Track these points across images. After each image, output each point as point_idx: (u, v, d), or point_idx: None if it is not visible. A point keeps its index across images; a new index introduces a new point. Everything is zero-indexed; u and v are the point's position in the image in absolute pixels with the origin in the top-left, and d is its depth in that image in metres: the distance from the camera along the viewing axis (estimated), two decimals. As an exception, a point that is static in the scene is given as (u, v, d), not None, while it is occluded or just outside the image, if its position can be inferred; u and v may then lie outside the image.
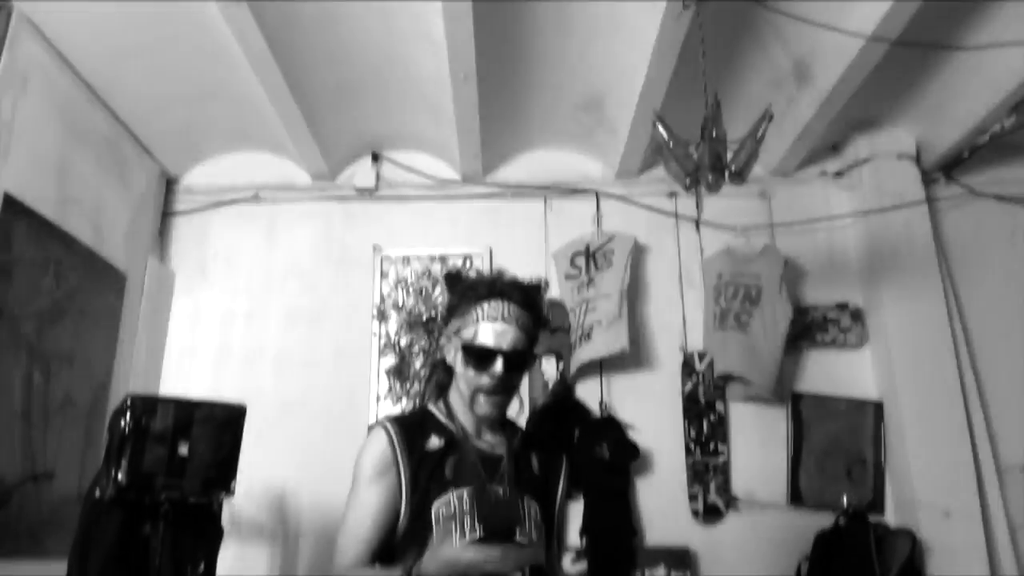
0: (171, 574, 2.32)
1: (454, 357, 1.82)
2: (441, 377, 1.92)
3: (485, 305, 1.80)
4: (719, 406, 3.68)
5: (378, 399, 3.71)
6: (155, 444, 2.34)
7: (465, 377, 1.78)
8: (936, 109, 3.63)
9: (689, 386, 3.71)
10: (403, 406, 3.69)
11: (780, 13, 2.99)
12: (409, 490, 1.71)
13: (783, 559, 3.41)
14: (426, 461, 1.73)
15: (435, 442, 1.77)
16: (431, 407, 1.87)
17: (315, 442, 3.61)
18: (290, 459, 3.53)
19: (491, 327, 1.77)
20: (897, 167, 3.84)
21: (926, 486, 3.38)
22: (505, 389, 1.79)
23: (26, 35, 2.86)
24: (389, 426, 1.78)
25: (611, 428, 3.56)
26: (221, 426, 2.48)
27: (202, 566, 2.44)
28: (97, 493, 2.32)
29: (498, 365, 1.74)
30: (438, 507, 1.70)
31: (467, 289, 1.86)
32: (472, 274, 1.94)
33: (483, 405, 1.77)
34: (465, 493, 1.71)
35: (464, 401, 1.80)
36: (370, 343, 3.79)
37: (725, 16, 2.97)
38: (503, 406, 1.81)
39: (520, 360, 1.80)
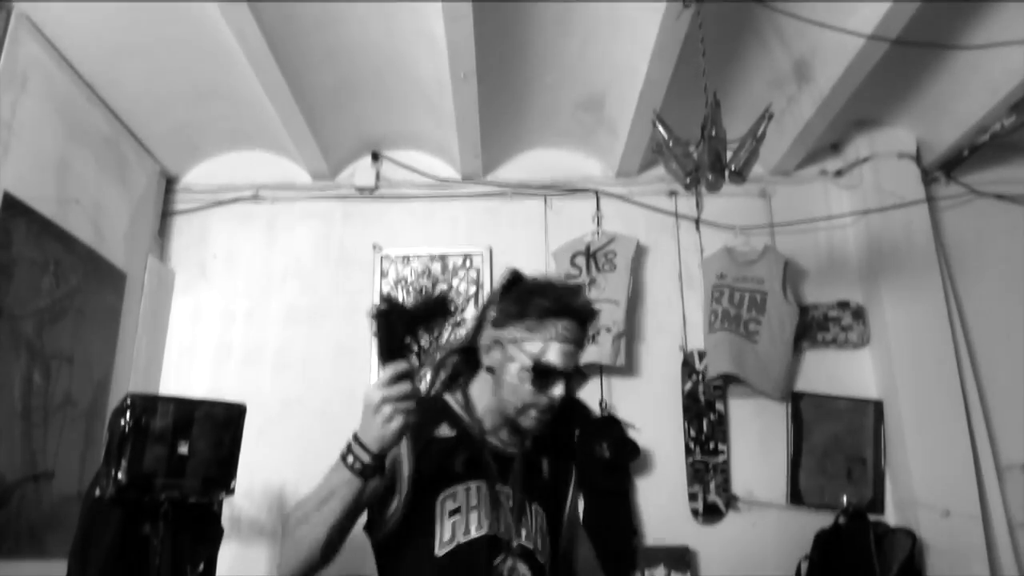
0: (171, 574, 2.32)
1: (502, 363, 1.74)
2: (459, 367, 1.85)
3: (560, 325, 1.72)
4: (719, 405, 3.69)
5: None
6: (155, 443, 2.34)
7: (519, 391, 1.70)
8: (936, 108, 3.62)
9: (689, 385, 3.71)
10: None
11: (780, 12, 2.99)
12: (411, 474, 1.63)
13: (783, 558, 3.41)
14: (433, 448, 1.68)
15: (446, 431, 1.72)
16: (448, 397, 1.81)
17: (315, 441, 3.59)
18: (290, 458, 3.53)
19: (561, 348, 1.70)
20: (897, 166, 3.84)
21: (926, 485, 3.38)
22: (556, 409, 1.74)
23: (26, 34, 2.85)
24: None
25: (611, 427, 3.55)
26: (221, 425, 2.48)
27: (202, 566, 2.44)
28: (97, 492, 2.32)
29: (560, 387, 1.69)
30: (444, 499, 1.64)
31: (534, 297, 1.75)
32: (528, 276, 1.87)
33: (533, 421, 1.72)
34: (473, 488, 1.66)
35: (503, 408, 1.74)
36: (370, 341, 3.78)
37: (725, 16, 2.97)
38: (549, 423, 1.75)
39: (577, 381, 1.74)
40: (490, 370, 1.76)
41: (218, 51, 3.17)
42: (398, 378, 1.41)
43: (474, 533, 1.62)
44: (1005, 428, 3.59)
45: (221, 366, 3.81)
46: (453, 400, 1.79)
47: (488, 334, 1.78)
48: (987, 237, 3.92)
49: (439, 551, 1.60)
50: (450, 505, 1.64)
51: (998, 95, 3.30)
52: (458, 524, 1.62)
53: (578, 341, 1.73)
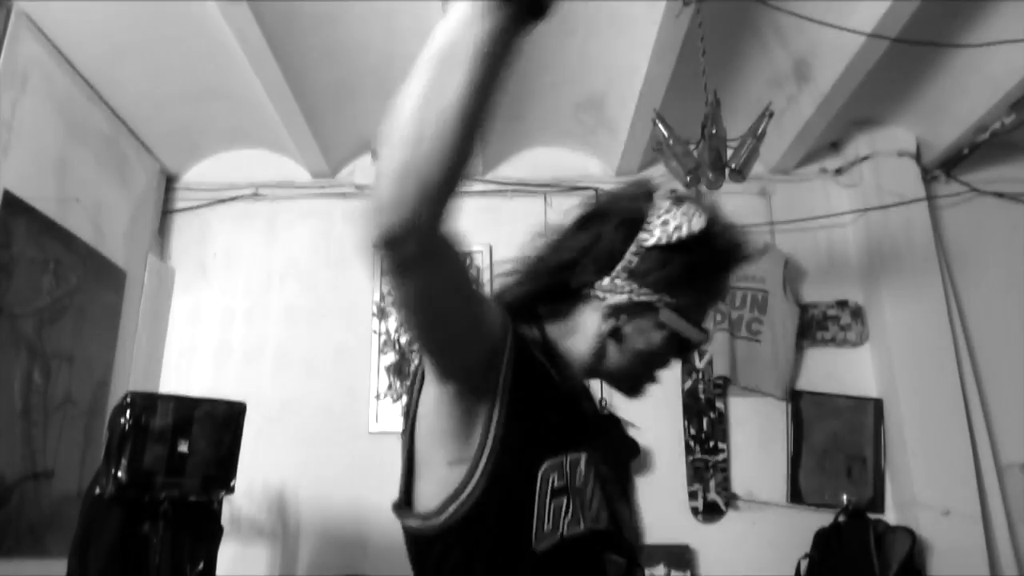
0: (170, 572, 2.32)
1: (644, 330, 1.25)
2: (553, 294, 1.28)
3: (723, 287, 1.34)
4: (719, 404, 3.69)
5: (378, 396, 3.71)
6: (155, 442, 2.34)
7: (642, 357, 1.28)
8: (936, 107, 3.62)
9: (689, 383, 3.71)
10: (403, 404, 3.69)
11: (780, 11, 2.99)
12: (505, 404, 1.07)
13: (783, 557, 3.41)
14: (539, 382, 1.16)
15: (554, 375, 1.21)
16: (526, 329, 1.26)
17: (315, 440, 3.61)
18: (290, 457, 3.53)
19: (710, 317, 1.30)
20: (897, 165, 3.84)
21: (926, 484, 3.38)
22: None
23: (26, 33, 2.85)
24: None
25: (611, 425, 3.55)
26: (221, 424, 2.49)
27: (201, 564, 2.45)
28: (97, 491, 2.33)
29: (680, 360, 1.32)
30: (548, 470, 1.10)
31: (723, 262, 1.28)
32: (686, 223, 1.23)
33: (636, 391, 1.37)
34: (584, 460, 1.15)
35: (617, 370, 1.29)
36: (370, 340, 3.79)
37: (725, 14, 2.97)
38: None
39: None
40: (615, 334, 1.26)
41: (218, 50, 3.17)
42: None
43: (586, 524, 1.12)
44: (1005, 427, 3.59)
45: (221, 364, 3.81)
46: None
47: (629, 286, 1.23)
48: (987, 235, 3.91)
49: (539, 544, 1.08)
50: (556, 480, 1.11)
51: (998, 93, 3.30)
52: (563, 508, 1.11)
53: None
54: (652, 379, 1.32)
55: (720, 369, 3.62)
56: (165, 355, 3.82)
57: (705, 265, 1.25)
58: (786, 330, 3.64)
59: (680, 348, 1.27)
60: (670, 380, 3.72)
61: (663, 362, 1.30)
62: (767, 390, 3.61)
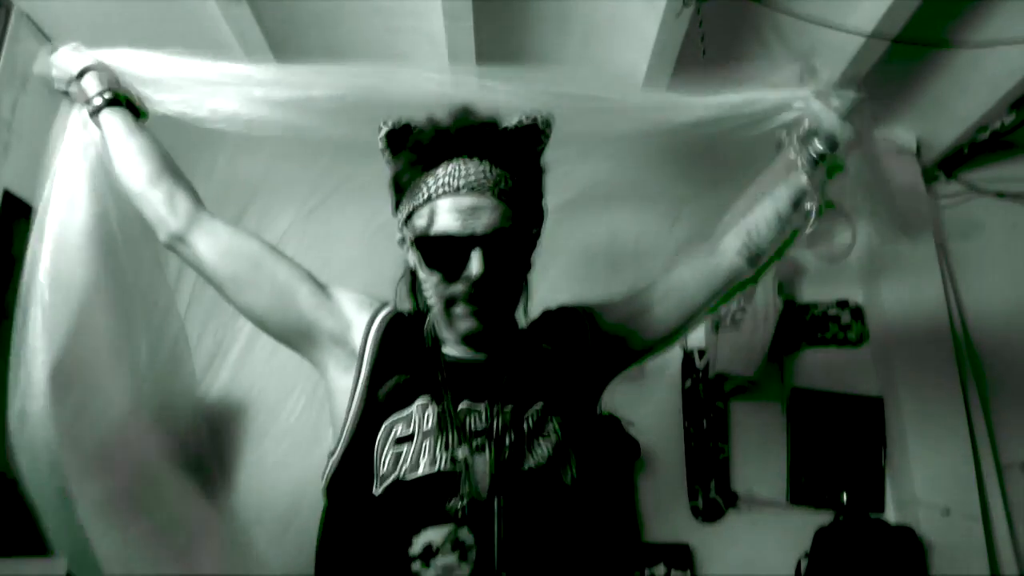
0: (171, 572, 2.32)
1: (410, 256, 1.32)
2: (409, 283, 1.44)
3: (439, 171, 1.24)
4: (719, 403, 3.68)
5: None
6: (155, 442, 2.35)
7: (430, 283, 1.28)
8: (936, 106, 3.62)
9: (689, 383, 3.71)
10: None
11: (780, 11, 2.99)
12: (366, 378, 1.36)
13: (783, 556, 3.41)
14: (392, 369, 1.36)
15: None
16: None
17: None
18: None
19: (453, 204, 1.21)
20: (897, 164, 3.83)
21: (926, 484, 3.38)
22: (494, 293, 1.25)
23: (26, 33, 2.85)
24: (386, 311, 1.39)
25: (611, 425, 3.55)
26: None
27: (202, 564, 2.45)
28: (98, 491, 2.33)
29: (475, 263, 1.20)
30: (392, 424, 1.30)
31: (412, 149, 1.29)
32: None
33: (463, 319, 1.27)
34: (429, 407, 1.28)
35: (437, 313, 1.31)
36: (370, 340, 3.78)
37: (725, 14, 2.97)
38: (495, 316, 1.29)
39: (509, 247, 1.23)
40: (413, 275, 1.38)
41: (218, 50, 3.16)
42: None
43: (427, 467, 1.23)
44: (1005, 427, 3.59)
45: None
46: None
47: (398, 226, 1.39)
48: (987, 235, 3.91)
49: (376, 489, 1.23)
50: (400, 430, 1.30)
51: (998, 93, 3.30)
52: (406, 454, 1.26)
53: (482, 185, 1.21)
54: (461, 303, 1.28)
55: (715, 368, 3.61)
56: (165, 355, 3.81)
57: (402, 158, 1.33)
58: (768, 319, 3.61)
59: (438, 254, 1.25)
60: (670, 379, 3.73)
61: (445, 280, 1.28)
62: (737, 371, 3.59)
